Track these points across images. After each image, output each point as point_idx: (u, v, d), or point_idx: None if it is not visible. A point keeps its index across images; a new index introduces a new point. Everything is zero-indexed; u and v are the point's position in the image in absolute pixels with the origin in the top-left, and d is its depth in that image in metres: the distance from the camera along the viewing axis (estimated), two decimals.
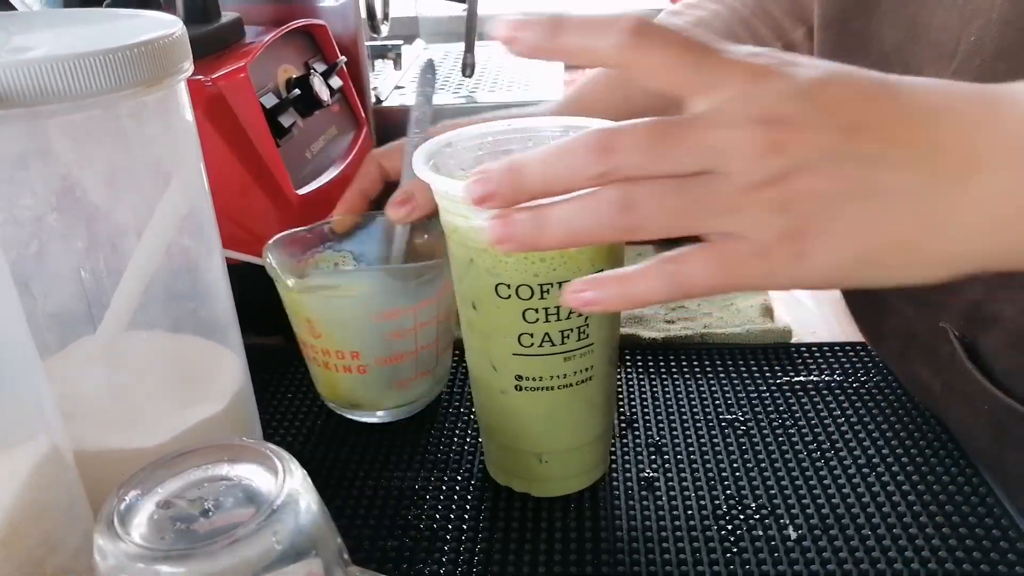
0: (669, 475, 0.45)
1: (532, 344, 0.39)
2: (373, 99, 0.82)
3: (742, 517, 0.42)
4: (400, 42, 0.92)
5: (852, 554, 0.39)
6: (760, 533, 0.41)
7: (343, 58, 0.69)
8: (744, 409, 0.50)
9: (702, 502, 0.43)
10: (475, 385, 0.44)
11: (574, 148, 0.27)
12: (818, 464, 0.45)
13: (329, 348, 0.48)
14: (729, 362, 0.55)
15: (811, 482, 0.44)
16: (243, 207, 0.55)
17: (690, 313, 0.61)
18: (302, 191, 0.58)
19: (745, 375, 0.54)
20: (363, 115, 0.73)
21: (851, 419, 0.49)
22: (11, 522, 0.29)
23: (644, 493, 0.44)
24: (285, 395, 0.54)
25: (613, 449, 0.47)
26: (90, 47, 0.32)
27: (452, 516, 0.43)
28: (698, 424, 0.49)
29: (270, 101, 0.57)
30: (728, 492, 0.44)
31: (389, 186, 0.53)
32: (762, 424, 0.49)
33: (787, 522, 0.42)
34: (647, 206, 0.27)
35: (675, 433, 0.48)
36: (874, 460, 0.46)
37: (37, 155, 0.34)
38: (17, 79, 0.31)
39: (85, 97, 0.32)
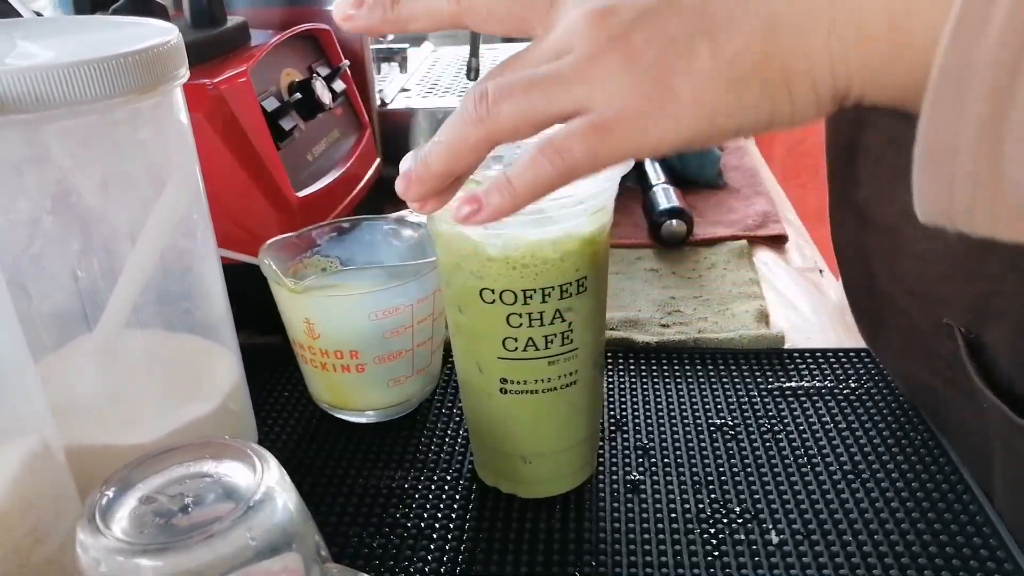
0: (655, 478, 0.46)
1: (516, 348, 0.40)
2: (378, 102, 0.83)
3: (725, 521, 0.43)
4: (406, 45, 0.93)
5: (832, 559, 0.40)
6: (742, 537, 0.41)
7: (346, 62, 0.70)
8: (734, 413, 0.51)
9: (686, 505, 0.44)
10: (463, 387, 0.45)
11: (460, 115, 0.29)
12: (804, 469, 0.46)
13: (328, 349, 0.48)
14: (722, 367, 0.56)
15: (796, 487, 0.45)
16: (243, 208, 0.56)
17: (685, 318, 0.62)
18: (302, 193, 0.59)
19: (737, 380, 0.54)
20: (366, 118, 0.74)
21: (840, 425, 0.49)
22: None
23: (629, 496, 0.44)
24: (282, 394, 0.55)
25: (601, 452, 0.48)
26: (86, 55, 0.33)
27: (439, 516, 0.44)
28: (687, 428, 0.50)
29: (271, 104, 0.58)
30: (713, 496, 0.44)
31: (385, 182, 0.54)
32: (751, 428, 0.49)
33: (770, 527, 0.42)
34: (495, 91, 0.28)
35: (663, 436, 0.49)
36: (860, 467, 0.46)
37: (33, 160, 0.35)
38: (13, 86, 0.32)
39: (80, 104, 0.33)
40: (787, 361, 0.56)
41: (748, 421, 0.50)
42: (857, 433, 0.49)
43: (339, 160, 0.67)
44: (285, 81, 0.63)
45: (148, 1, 0.58)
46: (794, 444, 0.48)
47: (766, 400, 0.52)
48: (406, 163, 0.39)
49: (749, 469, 0.46)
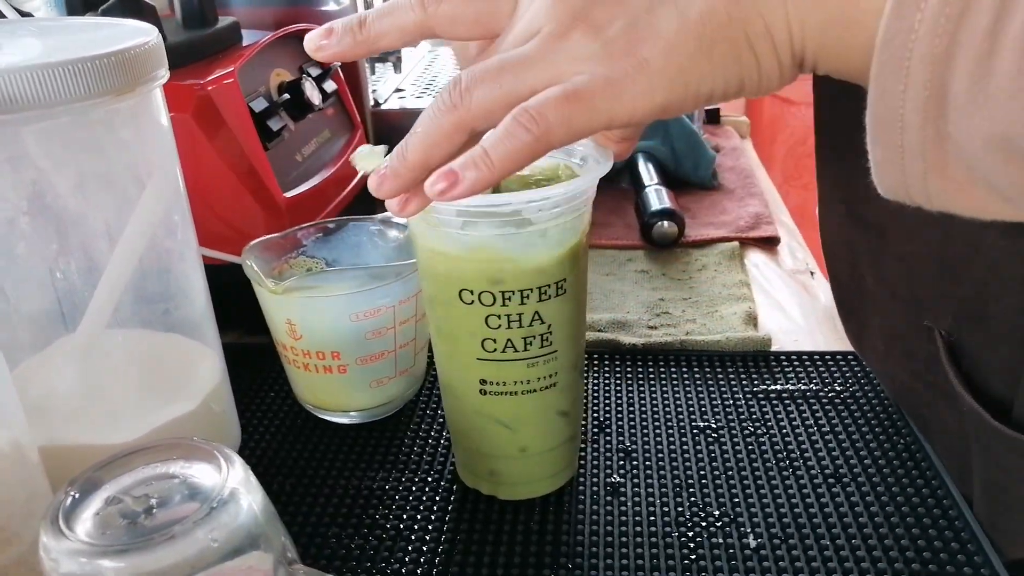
0: (636, 480, 0.46)
1: (495, 349, 0.40)
2: (372, 102, 0.83)
3: (703, 524, 0.42)
4: None
5: (808, 564, 0.40)
6: (720, 541, 0.41)
7: (337, 62, 0.70)
8: (718, 416, 0.51)
9: (665, 508, 0.44)
10: (443, 388, 0.45)
11: (435, 105, 0.30)
12: (785, 473, 0.46)
13: (309, 350, 0.49)
14: (707, 369, 0.55)
15: (776, 491, 0.44)
16: (231, 208, 0.56)
17: (673, 320, 0.62)
18: (290, 193, 0.59)
19: (722, 382, 0.54)
20: (358, 119, 0.74)
21: (823, 428, 0.49)
22: None
23: (609, 498, 0.44)
24: (267, 394, 0.55)
25: (583, 453, 0.48)
26: (62, 56, 0.33)
27: (419, 517, 0.44)
28: (670, 430, 0.50)
29: (260, 105, 0.58)
30: (692, 499, 0.44)
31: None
32: (734, 431, 0.49)
33: (748, 530, 0.42)
34: (467, 78, 0.29)
35: (646, 438, 0.49)
36: (841, 471, 0.46)
37: (9, 160, 0.35)
38: None
39: (56, 105, 0.33)
40: (773, 364, 0.56)
41: (732, 424, 0.50)
42: (840, 436, 0.48)
43: (329, 161, 0.67)
44: (275, 81, 0.63)
45: (137, 2, 0.58)
46: (776, 447, 0.48)
47: (750, 403, 0.52)
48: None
49: (731, 472, 0.46)
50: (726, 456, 0.47)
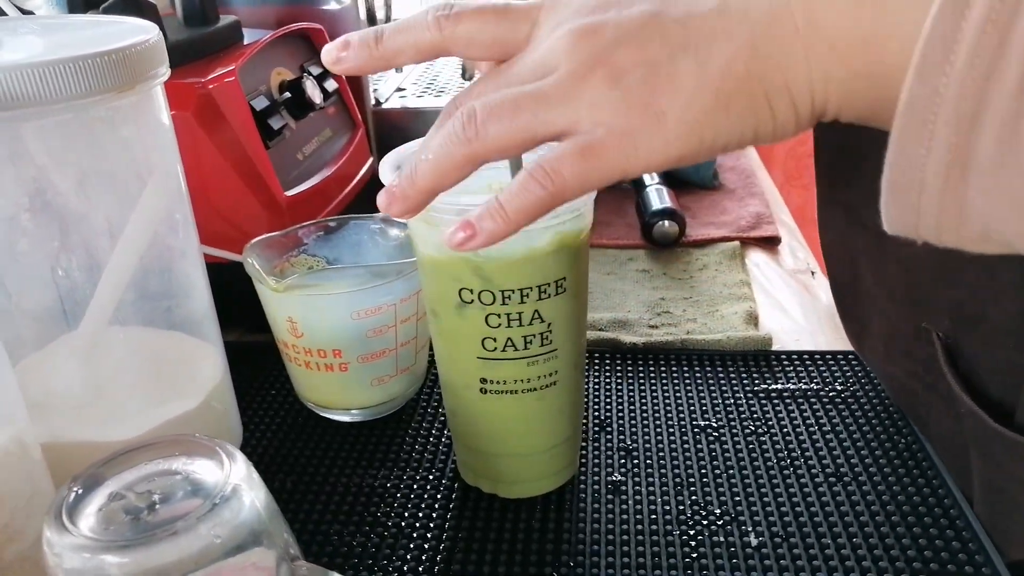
0: (636, 479, 0.46)
1: (495, 348, 0.40)
2: (373, 101, 0.83)
3: (704, 523, 0.42)
4: None
5: (810, 562, 0.40)
6: (721, 539, 0.41)
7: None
8: (719, 415, 0.51)
9: (666, 507, 0.44)
10: (444, 387, 0.45)
11: (448, 134, 0.29)
12: (786, 472, 0.46)
13: (311, 347, 0.49)
14: (708, 368, 0.55)
15: (777, 489, 0.44)
16: (232, 206, 0.56)
17: (674, 319, 0.62)
18: (291, 192, 0.59)
19: (723, 381, 0.54)
20: (359, 117, 0.74)
21: (824, 428, 0.49)
22: None
23: (610, 497, 0.44)
24: (269, 392, 0.55)
25: (584, 452, 0.48)
26: (62, 54, 0.33)
27: (420, 515, 0.44)
28: (671, 429, 0.50)
29: (261, 103, 0.58)
30: (693, 498, 0.44)
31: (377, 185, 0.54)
32: (735, 430, 0.49)
33: (749, 529, 0.42)
34: (483, 111, 0.29)
35: (647, 437, 0.49)
36: (842, 469, 0.46)
37: (10, 157, 0.35)
38: None
39: (56, 102, 0.34)
40: (774, 363, 0.56)
41: (732, 423, 0.50)
42: (841, 436, 0.48)
43: (330, 159, 0.67)
44: (276, 80, 0.63)
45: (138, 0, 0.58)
46: (777, 446, 0.48)
47: (751, 402, 0.52)
48: (385, 173, 0.39)
49: (731, 471, 0.46)
50: (727, 455, 0.47)
